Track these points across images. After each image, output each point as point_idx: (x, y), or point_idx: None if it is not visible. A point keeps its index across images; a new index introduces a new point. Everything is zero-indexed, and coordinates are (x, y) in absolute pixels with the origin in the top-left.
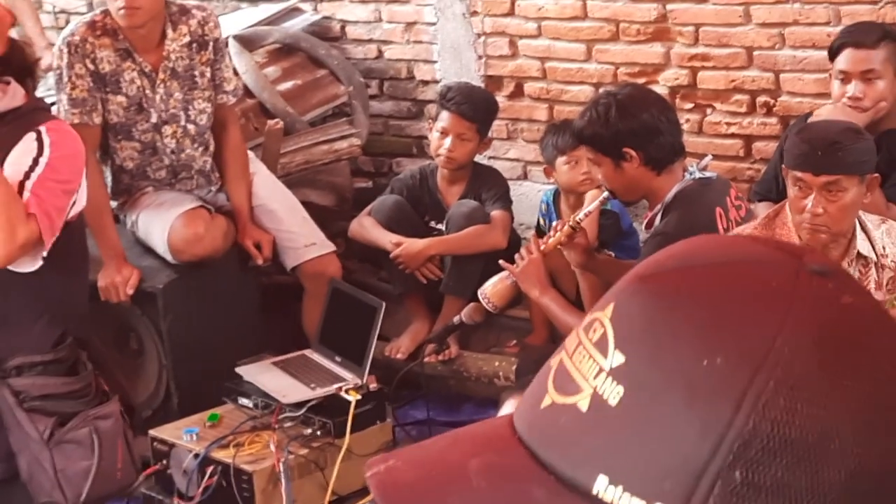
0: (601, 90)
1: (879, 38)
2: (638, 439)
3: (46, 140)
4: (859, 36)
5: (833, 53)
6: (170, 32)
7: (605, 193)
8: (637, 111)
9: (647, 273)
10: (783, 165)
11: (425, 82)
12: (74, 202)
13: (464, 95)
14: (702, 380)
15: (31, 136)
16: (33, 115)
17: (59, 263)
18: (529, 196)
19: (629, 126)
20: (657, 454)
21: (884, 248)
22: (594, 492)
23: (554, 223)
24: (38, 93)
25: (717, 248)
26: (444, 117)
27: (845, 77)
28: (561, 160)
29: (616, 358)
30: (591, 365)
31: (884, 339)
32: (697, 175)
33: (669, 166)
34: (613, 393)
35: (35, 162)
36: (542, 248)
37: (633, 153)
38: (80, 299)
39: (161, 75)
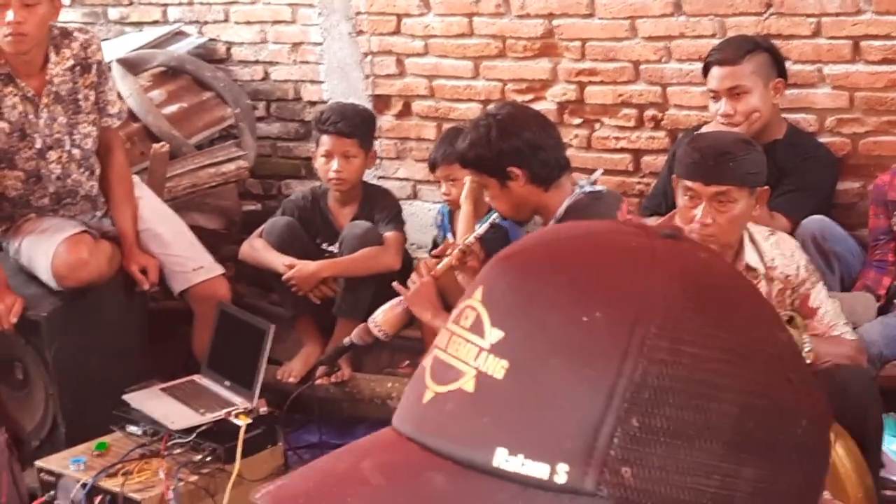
0: (481, 112)
1: (746, 52)
2: (531, 406)
3: None
4: (724, 53)
5: (704, 72)
6: (52, 56)
7: (495, 215)
8: (518, 129)
9: (510, 252)
10: (673, 175)
11: (313, 103)
12: None
13: (338, 114)
14: (584, 337)
15: None
16: None
17: None
18: (420, 215)
19: (511, 145)
20: (552, 417)
21: (773, 259)
22: (494, 465)
23: (444, 242)
24: None
25: (573, 227)
26: (325, 141)
27: (715, 95)
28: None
29: (494, 335)
30: (469, 349)
31: (739, 283)
32: (588, 189)
33: (556, 181)
34: (498, 367)
35: None
36: (433, 272)
37: (518, 171)
38: None
39: (45, 100)
